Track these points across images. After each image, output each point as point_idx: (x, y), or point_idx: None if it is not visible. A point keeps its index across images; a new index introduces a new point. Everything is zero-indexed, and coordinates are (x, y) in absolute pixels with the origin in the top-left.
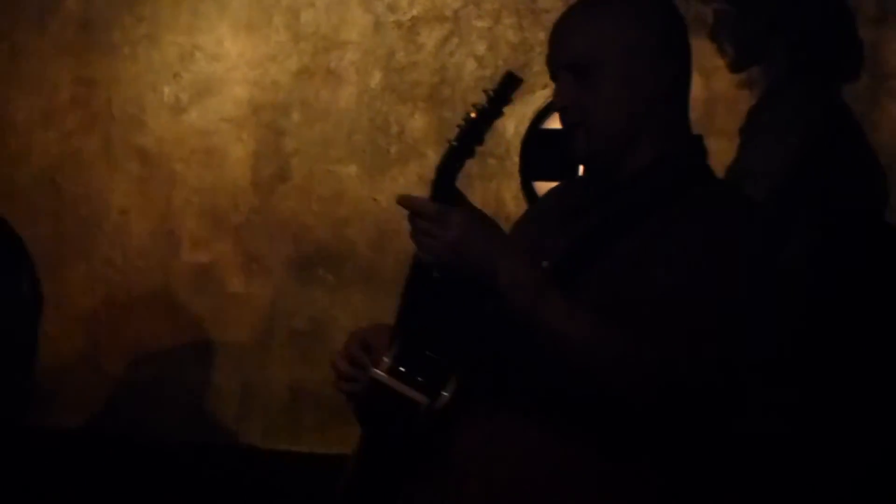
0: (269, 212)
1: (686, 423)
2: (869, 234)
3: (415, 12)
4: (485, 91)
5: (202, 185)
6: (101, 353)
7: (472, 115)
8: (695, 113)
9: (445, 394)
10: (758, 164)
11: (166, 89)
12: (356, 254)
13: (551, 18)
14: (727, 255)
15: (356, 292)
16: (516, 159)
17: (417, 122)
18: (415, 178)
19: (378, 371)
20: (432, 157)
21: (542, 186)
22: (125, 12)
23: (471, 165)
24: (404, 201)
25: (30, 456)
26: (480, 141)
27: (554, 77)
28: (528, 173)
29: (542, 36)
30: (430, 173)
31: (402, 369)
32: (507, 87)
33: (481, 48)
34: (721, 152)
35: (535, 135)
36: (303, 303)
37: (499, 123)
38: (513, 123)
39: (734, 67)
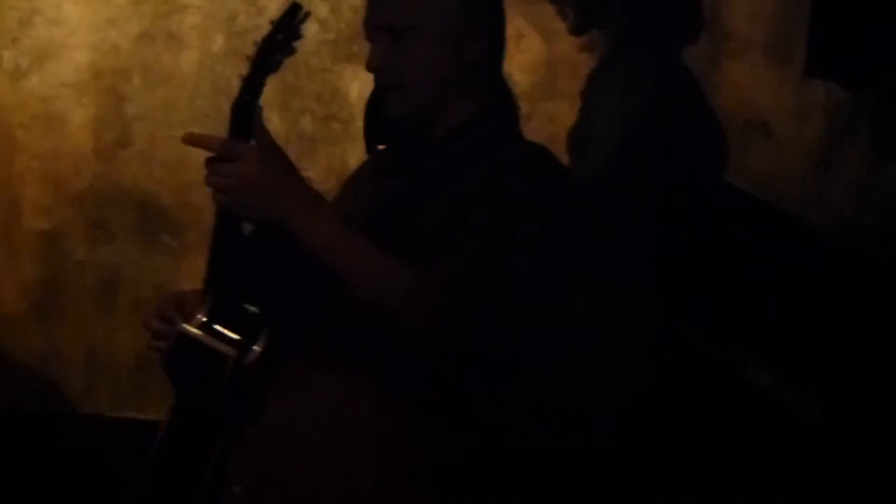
0: (111, 178)
1: (481, 386)
2: (707, 195)
3: None
4: (270, 21)
5: (43, 152)
6: None
7: (259, 45)
8: (536, 75)
9: (256, 347)
10: (597, 128)
11: (6, 54)
12: (201, 219)
13: None
14: (519, 220)
15: (201, 258)
16: (360, 123)
17: None
18: None
19: (187, 325)
20: (276, 121)
21: None
22: None
23: (315, 129)
24: (192, 139)
25: None
26: (272, 70)
27: (370, 38)
28: (373, 137)
29: None
30: (273, 139)
31: (213, 324)
32: (290, 17)
33: (324, 11)
34: (563, 115)
35: (378, 99)
36: (147, 270)
37: (342, 87)
38: (357, 87)
39: (575, 30)
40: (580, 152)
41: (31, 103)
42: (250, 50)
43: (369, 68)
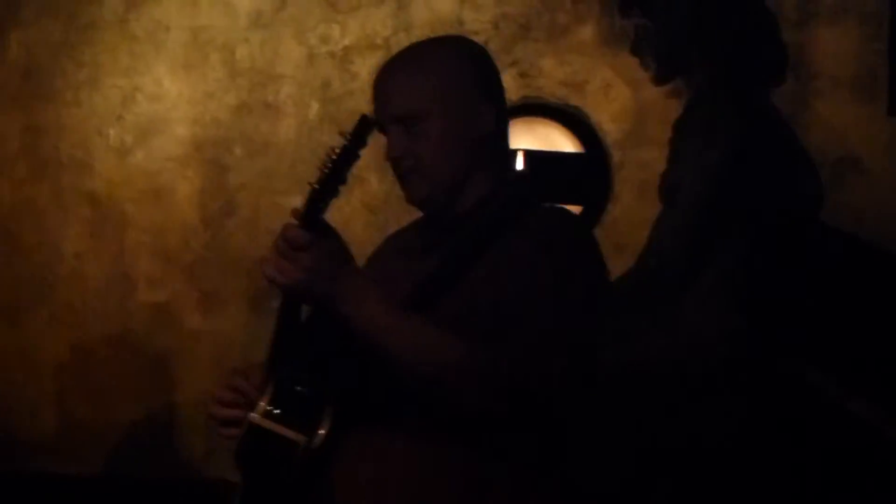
0: (219, 247)
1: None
2: (804, 236)
3: (346, 42)
4: (340, 133)
5: (152, 225)
6: (68, 397)
7: (331, 157)
8: (626, 124)
9: (322, 431)
10: (685, 175)
11: (111, 132)
12: None
13: (480, 42)
14: (563, 273)
15: None
16: None
17: None
18: (359, 204)
19: (254, 415)
20: (375, 184)
21: None
22: (66, 59)
23: None
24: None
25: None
26: (342, 181)
27: (383, 129)
28: None
29: None
30: (373, 200)
31: (277, 410)
32: (362, 130)
33: None
34: (654, 162)
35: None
36: (261, 336)
37: None
38: None
39: (657, 80)
40: (670, 199)
41: (138, 178)
42: (345, 116)
43: (389, 159)
